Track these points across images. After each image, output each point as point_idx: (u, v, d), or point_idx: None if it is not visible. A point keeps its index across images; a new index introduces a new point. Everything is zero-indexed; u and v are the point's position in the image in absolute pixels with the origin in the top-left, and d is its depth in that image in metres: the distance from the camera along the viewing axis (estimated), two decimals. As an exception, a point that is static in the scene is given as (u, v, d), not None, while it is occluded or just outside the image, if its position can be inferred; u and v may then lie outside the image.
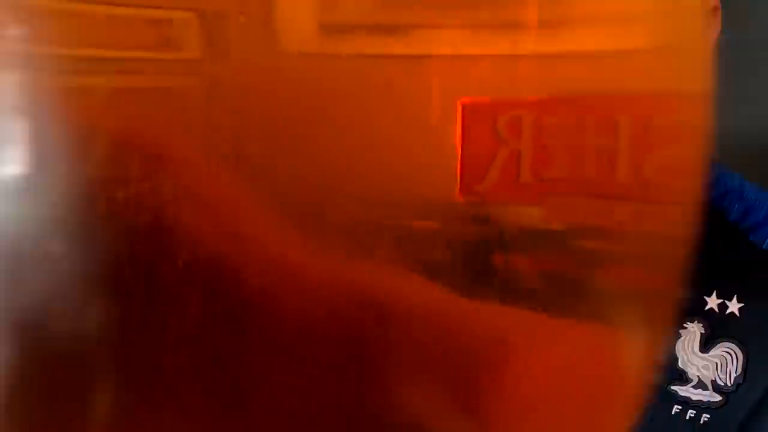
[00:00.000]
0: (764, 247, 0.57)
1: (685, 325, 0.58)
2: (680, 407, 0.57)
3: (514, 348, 0.17)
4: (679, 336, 0.58)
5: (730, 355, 0.57)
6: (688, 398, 0.57)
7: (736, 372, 0.57)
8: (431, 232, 0.16)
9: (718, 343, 0.57)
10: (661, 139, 0.19)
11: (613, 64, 0.17)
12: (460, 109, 0.16)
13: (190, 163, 0.14)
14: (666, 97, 0.19)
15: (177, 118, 0.14)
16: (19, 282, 0.14)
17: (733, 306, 0.57)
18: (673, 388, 0.58)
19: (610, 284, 0.19)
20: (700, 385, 0.57)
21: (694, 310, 0.57)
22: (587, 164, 0.17)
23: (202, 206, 0.15)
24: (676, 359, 0.58)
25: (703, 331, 0.57)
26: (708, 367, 0.57)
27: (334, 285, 0.15)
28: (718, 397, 0.57)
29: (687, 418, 0.57)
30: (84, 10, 0.15)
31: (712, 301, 0.57)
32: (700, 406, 0.57)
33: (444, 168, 0.16)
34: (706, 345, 0.58)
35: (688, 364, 0.58)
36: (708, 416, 0.57)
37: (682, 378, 0.58)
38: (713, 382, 0.57)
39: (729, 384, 0.57)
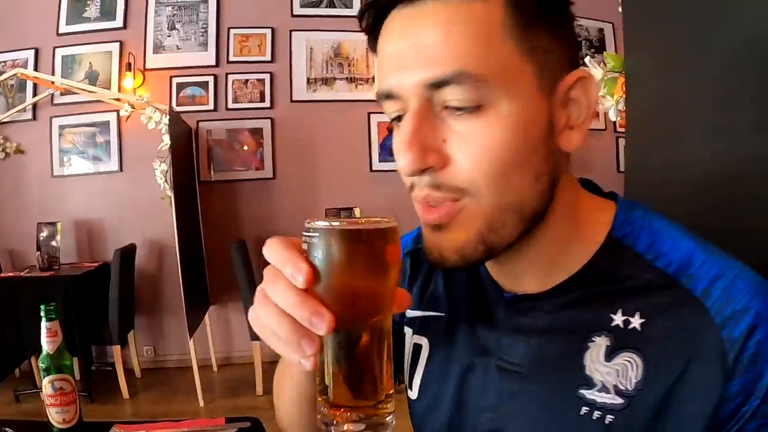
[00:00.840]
0: (669, 272, 0.64)
1: (593, 339, 0.65)
2: (588, 409, 0.64)
3: None
4: (587, 348, 0.65)
5: (631, 363, 0.63)
6: (594, 401, 0.64)
7: (636, 378, 0.63)
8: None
9: (621, 353, 0.64)
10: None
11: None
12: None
13: None
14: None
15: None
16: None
17: (636, 321, 0.64)
18: (581, 392, 0.65)
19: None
20: (604, 389, 0.64)
21: (601, 326, 0.65)
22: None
23: None
24: (584, 367, 0.65)
25: (608, 343, 0.64)
26: (611, 373, 0.64)
27: None
28: (620, 400, 0.63)
29: (594, 418, 0.64)
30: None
31: (618, 318, 0.65)
32: (605, 408, 0.63)
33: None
34: (610, 355, 0.64)
35: (594, 371, 0.65)
36: (612, 417, 0.63)
37: (589, 383, 0.65)
38: (615, 386, 0.63)
39: (629, 388, 0.63)
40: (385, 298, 0.56)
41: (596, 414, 0.64)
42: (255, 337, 4.20)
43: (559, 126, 0.65)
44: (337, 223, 0.53)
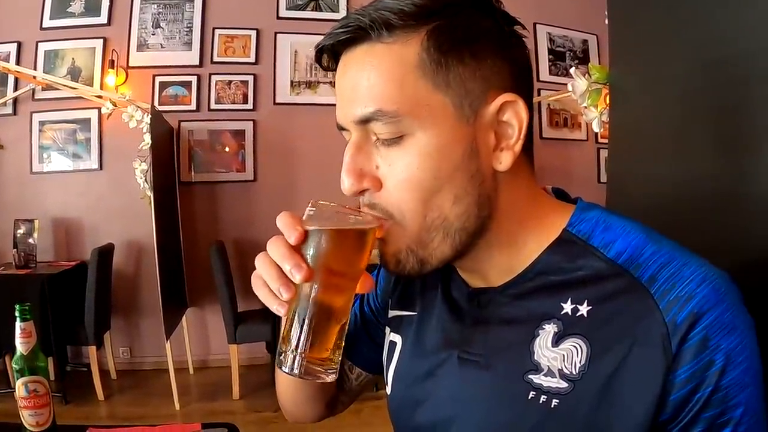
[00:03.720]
0: (619, 261, 0.67)
1: (543, 326, 0.68)
2: (534, 393, 0.67)
3: None
4: (537, 336, 0.69)
5: (576, 348, 0.66)
6: (541, 385, 0.67)
7: (581, 362, 0.65)
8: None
9: (567, 339, 0.67)
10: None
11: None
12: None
13: None
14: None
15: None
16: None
17: (584, 309, 0.67)
18: (529, 376, 0.68)
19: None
20: (549, 373, 0.67)
21: (552, 314, 0.68)
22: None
23: None
24: (533, 353, 0.68)
25: (556, 330, 0.67)
26: (556, 358, 0.67)
27: None
28: (565, 384, 0.66)
29: (540, 402, 0.67)
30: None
31: (567, 306, 0.68)
32: (551, 392, 0.66)
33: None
34: (557, 341, 0.67)
35: (541, 356, 0.68)
36: (557, 401, 0.66)
37: (537, 369, 0.68)
38: (560, 370, 0.66)
39: (574, 372, 0.65)
40: (350, 277, 0.71)
41: (543, 398, 0.67)
42: (232, 340, 4.17)
43: (487, 148, 0.70)
44: (330, 214, 0.71)
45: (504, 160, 0.70)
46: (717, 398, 0.61)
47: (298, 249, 0.69)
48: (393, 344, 0.90)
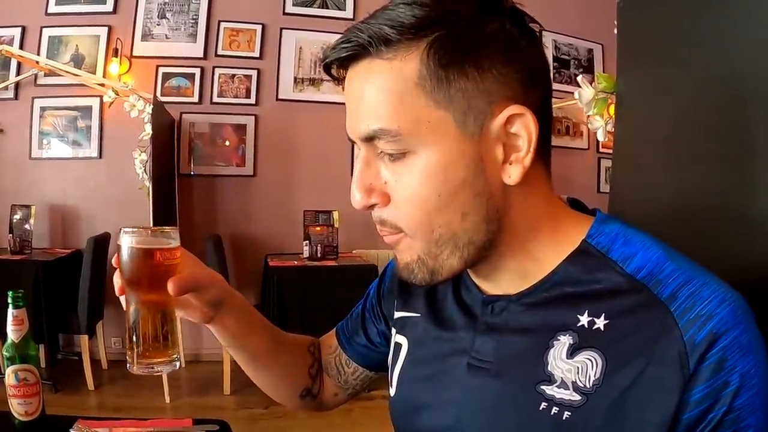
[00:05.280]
0: (638, 277, 0.66)
1: (558, 337, 0.67)
2: (546, 404, 0.66)
3: None
4: (552, 346, 0.68)
5: (591, 361, 0.65)
6: (553, 396, 0.66)
7: (595, 376, 0.64)
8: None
9: (583, 351, 0.66)
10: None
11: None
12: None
13: None
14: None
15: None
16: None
17: (601, 322, 0.66)
18: (542, 387, 0.67)
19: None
20: (563, 385, 0.66)
21: (567, 326, 0.68)
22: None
23: None
24: (547, 364, 0.68)
25: (572, 342, 0.66)
26: (570, 370, 0.66)
27: None
28: (578, 397, 0.65)
29: (552, 413, 0.66)
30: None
31: (584, 319, 0.67)
32: (563, 404, 0.65)
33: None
34: (572, 353, 0.66)
35: (555, 367, 0.67)
36: (569, 413, 0.65)
37: (550, 380, 0.67)
38: (574, 383, 0.65)
39: (588, 386, 0.64)
40: (150, 284, 0.81)
41: (554, 410, 0.66)
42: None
43: (495, 163, 0.69)
44: (129, 237, 0.81)
45: (513, 174, 0.69)
46: (729, 419, 0.60)
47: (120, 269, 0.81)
48: (398, 346, 0.90)
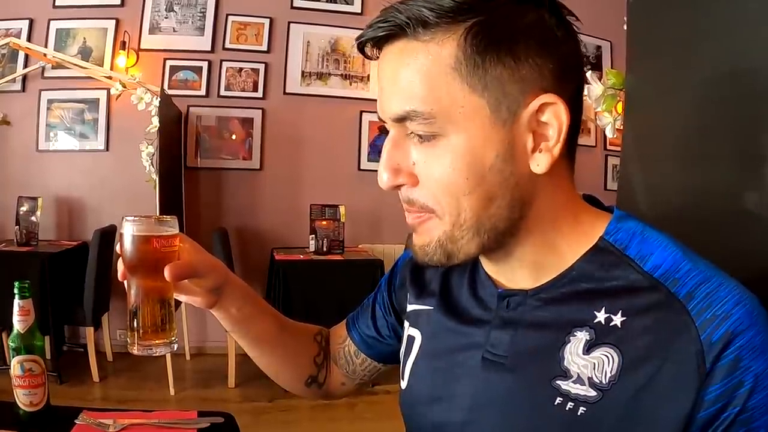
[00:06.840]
0: (655, 275, 0.67)
1: (574, 333, 0.67)
2: (561, 399, 0.66)
3: None
4: (568, 342, 0.68)
5: (607, 357, 0.65)
6: (569, 392, 0.66)
7: (611, 372, 0.64)
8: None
9: (599, 347, 0.66)
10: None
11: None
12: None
13: None
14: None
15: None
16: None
17: (617, 319, 0.66)
18: (557, 382, 0.67)
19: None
20: (579, 380, 0.66)
21: (584, 322, 0.68)
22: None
23: None
24: (563, 359, 0.68)
25: (588, 338, 0.66)
26: (587, 366, 0.66)
27: None
28: (593, 393, 0.65)
29: (567, 408, 0.66)
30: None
31: (601, 315, 0.67)
32: (578, 400, 0.65)
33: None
34: (588, 349, 0.66)
35: (571, 363, 0.67)
36: (584, 409, 0.65)
37: (566, 375, 0.67)
38: (590, 378, 0.65)
39: (604, 382, 0.64)
40: (149, 270, 0.83)
41: (569, 405, 0.66)
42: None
43: (524, 150, 0.69)
44: (130, 226, 0.84)
45: (541, 162, 0.69)
46: (742, 419, 0.61)
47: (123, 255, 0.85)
48: (411, 339, 0.90)
